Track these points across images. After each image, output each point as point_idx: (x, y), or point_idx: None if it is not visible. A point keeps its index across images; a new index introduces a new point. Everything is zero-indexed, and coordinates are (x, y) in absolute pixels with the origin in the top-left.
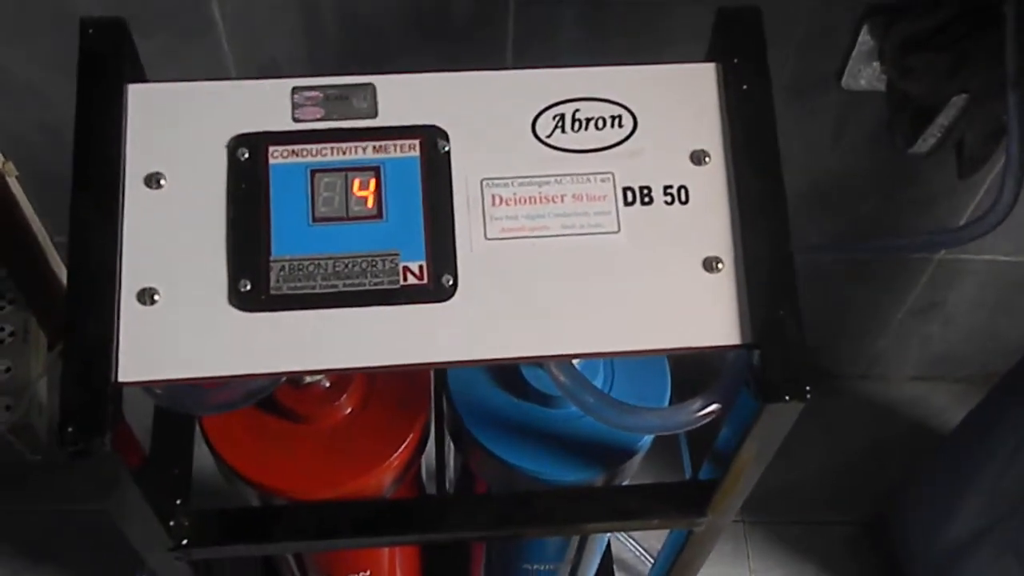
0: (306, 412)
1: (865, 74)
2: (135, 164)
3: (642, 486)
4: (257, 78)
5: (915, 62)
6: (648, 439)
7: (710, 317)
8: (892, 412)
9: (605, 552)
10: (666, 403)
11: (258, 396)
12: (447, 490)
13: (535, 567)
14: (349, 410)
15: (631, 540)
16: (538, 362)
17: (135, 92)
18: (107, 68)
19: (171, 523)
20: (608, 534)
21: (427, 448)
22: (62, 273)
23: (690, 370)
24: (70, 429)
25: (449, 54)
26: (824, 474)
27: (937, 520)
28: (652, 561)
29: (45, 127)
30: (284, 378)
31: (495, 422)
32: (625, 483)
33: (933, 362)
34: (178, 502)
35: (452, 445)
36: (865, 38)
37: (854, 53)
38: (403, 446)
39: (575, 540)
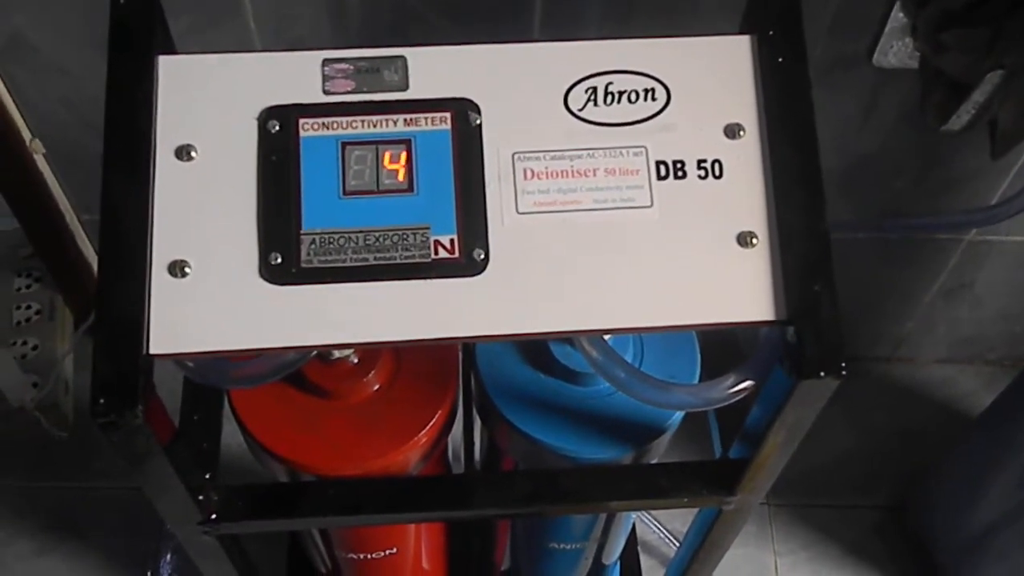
0: (334, 388)
1: (897, 51)
2: (166, 136)
3: (672, 464)
4: (288, 50)
5: (950, 38)
6: (678, 417)
7: (744, 293)
8: (919, 395)
9: (630, 533)
10: (696, 380)
11: (288, 370)
12: (475, 468)
13: (561, 546)
14: (377, 386)
15: (655, 522)
16: (570, 337)
17: (166, 64)
18: (137, 39)
19: (200, 497)
20: (634, 514)
21: (454, 426)
22: (89, 252)
23: (720, 348)
24: (102, 401)
25: (475, 27)
26: (850, 457)
27: (964, 504)
28: (676, 543)
29: (72, 105)
30: (314, 352)
31: (523, 399)
32: (654, 462)
33: (961, 345)
34: (207, 476)
35: (479, 422)
36: (897, 15)
37: (886, 30)
38: (431, 423)
39: (602, 519)
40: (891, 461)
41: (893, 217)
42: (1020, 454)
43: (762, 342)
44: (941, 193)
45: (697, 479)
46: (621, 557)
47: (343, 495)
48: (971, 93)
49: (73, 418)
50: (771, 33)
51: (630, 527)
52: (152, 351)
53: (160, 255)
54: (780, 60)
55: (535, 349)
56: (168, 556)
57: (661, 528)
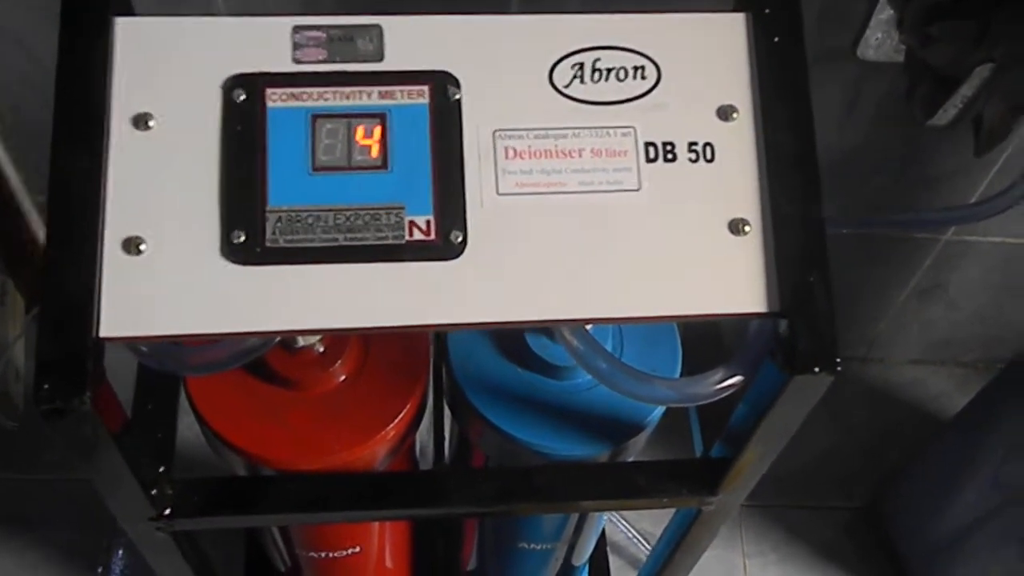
0: (298, 378)
1: (882, 44)
2: (122, 103)
3: (651, 463)
4: (256, 14)
5: (938, 30)
6: (657, 413)
7: (735, 282)
8: (891, 396)
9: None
10: (677, 373)
11: (249, 357)
12: (444, 463)
13: (531, 546)
14: (343, 377)
15: (623, 521)
16: (551, 327)
17: (123, 26)
18: (92, 0)
19: (153, 491)
20: (605, 514)
21: (423, 419)
22: (41, 234)
23: (700, 339)
24: (46, 386)
25: None
26: (820, 457)
27: (936, 506)
28: (645, 543)
29: (27, 81)
30: (278, 338)
31: (497, 392)
32: (632, 459)
33: (934, 346)
34: (161, 469)
35: (450, 415)
36: (884, 6)
37: (871, 22)
38: (399, 416)
39: (574, 518)
40: (862, 462)
41: (872, 213)
42: (993, 457)
43: (751, 335)
44: (922, 189)
45: (677, 478)
46: (590, 558)
47: (305, 490)
48: (959, 87)
49: (24, 407)
50: (767, 11)
51: (602, 527)
52: (103, 334)
53: (113, 230)
54: (776, 40)
55: (510, 340)
56: (120, 552)
57: (630, 527)
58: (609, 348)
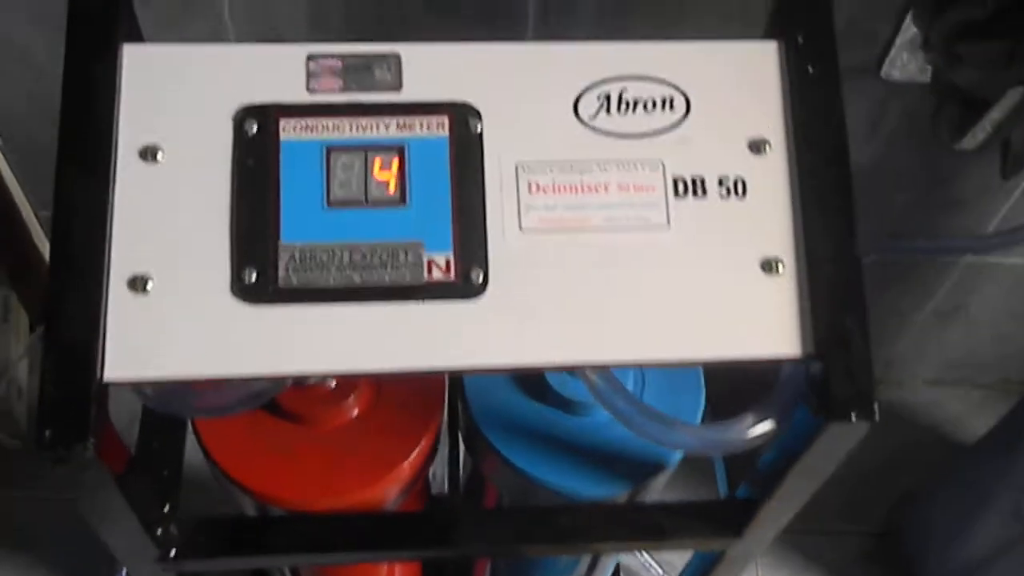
0: (309, 413)
1: (907, 64)
2: (130, 134)
3: (674, 504)
4: (269, 42)
5: (966, 50)
6: (680, 452)
7: (768, 324)
8: (907, 418)
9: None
10: (700, 412)
11: (260, 400)
12: (458, 500)
13: None
14: (355, 412)
15: (642, 552)
16: (576, 369)
17: (131, 53)
18: (100, 25)
19: (158, 531)
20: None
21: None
22: (46, 249)
23: (725, 377)
24: (48, 433)
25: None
26: (836, 481)
27: (955, 534)
28: (659, 569)
29: (33, 97)
30: (290, 381)
31: (513, 427)
32: (651, 499)
33: (951, 367)
34: (166, 508)
35: (463, 448)
36: (909, 25)
37: (896, 41)
38: (414, 453)
39: (588, 556)
40: (878, 486)
41: (892, 235)
42: (1015, 484)
43: (783, 378)
44: (944, 211)
45: (701, 520)
46: None
47: (314, 531)
48: (988, 110)
49: (27, 425)
50: (800, 40)
51: (617, 560)
52: (107, 377)
53: (119, 268)
54: (809, 69)
55: (528, 375)
56: (124, 571)
57: (648, 557)
58: (630, 384)
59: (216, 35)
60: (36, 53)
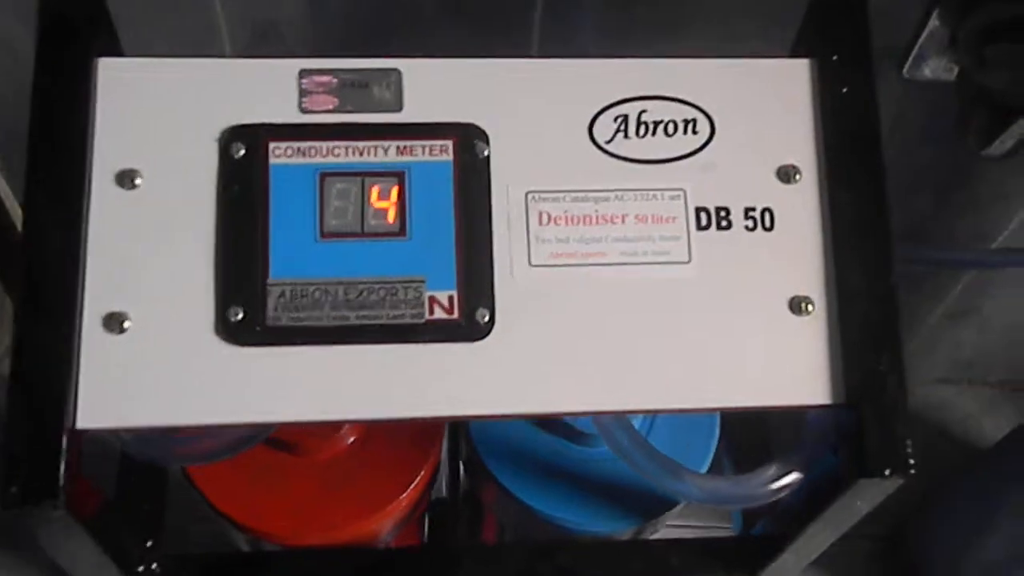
0: (302, 443)
1: (931, 63)
2: (105, 158)
3: (686, 541)
4: (258, 57)
5: (995, 52)
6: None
7: (796, 369)
8: (917, 417)
9: None
10: (711, 452)
11: (247, 446)
12: (456, 533)
13: None
14: (351, 440)
15: None
16: (589, 417)
17: (107, 68)
18: (73, 37)
19: (139, 569)
20: None
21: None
22: None
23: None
24: (14, 489)
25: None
26: None
27: (967, 540)
28: None
29: (17, 84)
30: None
31: (516, 457)
32: (659, 533)
33: (961, 366)
34: (148, 544)
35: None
36: (935, 23)
37: (921, 40)
38: (412, 485)
39: None
40: None
41: (908, 235)
42: None
43: (810, 424)
44: (959, 214)
45: (714, 559)
46: None
47: (307, 568)
48: (1020, 116)
49: None
50: (834, 57)
51: None
52: (80, 424)
53: (94, 305)
54: (845, 90)
55: None
56: None
57: None
58: (639, 419)
59: (207, 27)
60: (15, 40)
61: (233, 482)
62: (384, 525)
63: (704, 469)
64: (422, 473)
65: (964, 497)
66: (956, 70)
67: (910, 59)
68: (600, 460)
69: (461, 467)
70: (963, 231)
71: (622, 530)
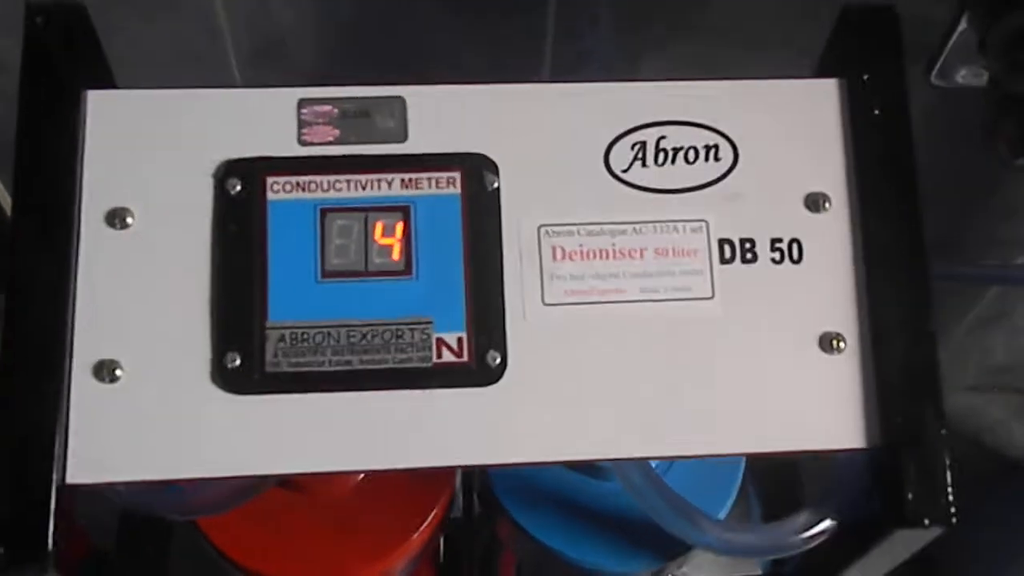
0: (307, 481)
1: (960, 70)
2: (95, 196)
3: None
4: (254, 87)
5: None
6: (719, 517)
7: (828, 411)
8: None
9: None
10: (734, 491)
11: (248, 497)
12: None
13: None
14: (361, 476)
15: None
16: (608, 463)
17: (97, 101)
18: (60, 69)
19: None
20: None
21: None
22: None
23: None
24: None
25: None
26: None
27: (1000, 560)
28: None
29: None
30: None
31: (532, 492)
32: (683, 571)
33: (991, 373)
34: None
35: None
36: (964, 28)
37: (949, 45)
38: (424, 524)
39: None
40: None
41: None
42: None
43: (843, 471)
44: (985, 222)
45: None
46: None
47: None
48: None
49: None
50: (865, 77)
51: None
52: (70, 479)
53: (83, 353)
54: (877, 112)
55: None
56: None
57: None
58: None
59: (207, 33)
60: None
61: (237, 522)
62: (397, 565)
63: (728, 506)
64: (434, 511)
65: (994, 514)
66: (986, 76)
67: (938, 65)
68: (619, 495)
69: (475, 500)
70: (994, 239)
71: (645, 569)
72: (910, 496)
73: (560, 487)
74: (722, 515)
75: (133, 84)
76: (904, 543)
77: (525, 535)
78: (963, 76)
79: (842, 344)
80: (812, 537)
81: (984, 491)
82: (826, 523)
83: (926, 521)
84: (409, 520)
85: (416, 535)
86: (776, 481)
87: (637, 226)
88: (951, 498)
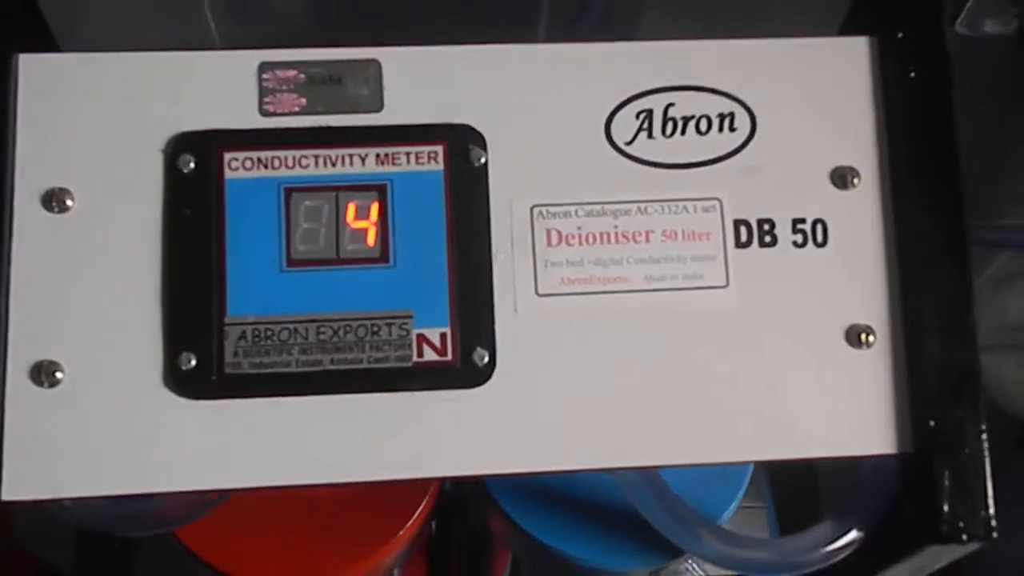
0: None
1: (988, 18)
2: (30, 176)
3: None
4: (210, 49)
5: None
6: (728, 515)
7: (855, 412)
8: None
9: None
10: (741, 492)
11: (208, 510)
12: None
13: None
14: None
15: None
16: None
17: (30, 66)
18: None
19: None
20: None
21: None
22: None
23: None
24: None
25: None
26: None
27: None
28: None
29: None
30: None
31: (527, 486)
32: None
33: (1005, 332)
34: None
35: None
36: None
37: None
38: (411, 520)
39: None
40: None
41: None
42: None
43: (871, 477)
44: (1013, 175)
45: None
46: None
47: None
48: None
49: None
50: (899, 34)
51: None
52: (6, 496)
53: (19, 354)
54: (913, 75)
55: None
56: None
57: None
58: None
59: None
60: None
61: (211, 522)
62: (384, 563)
63: (737, 499)
64: (422, 506)
65: (1008, 486)
66: (1015, 24)
67: (964, 11)
68: (619, 487)
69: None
70: (1014, 197)
71: (647, 567)
72: (945, 508)
73: (555, 480)
74: (731, 509)
75: (95, 45)
76: (934, 557)
77: (519, 530)
78: (991, 24)
79: (871, 338)
80: (834, 552)
81: (1002, 464)
82: (850, 536)
83: (964, 536)
84: (396, 516)
85: (403, 531)
86: (792, 488)
87: (642, 205)
88: (991, 510)
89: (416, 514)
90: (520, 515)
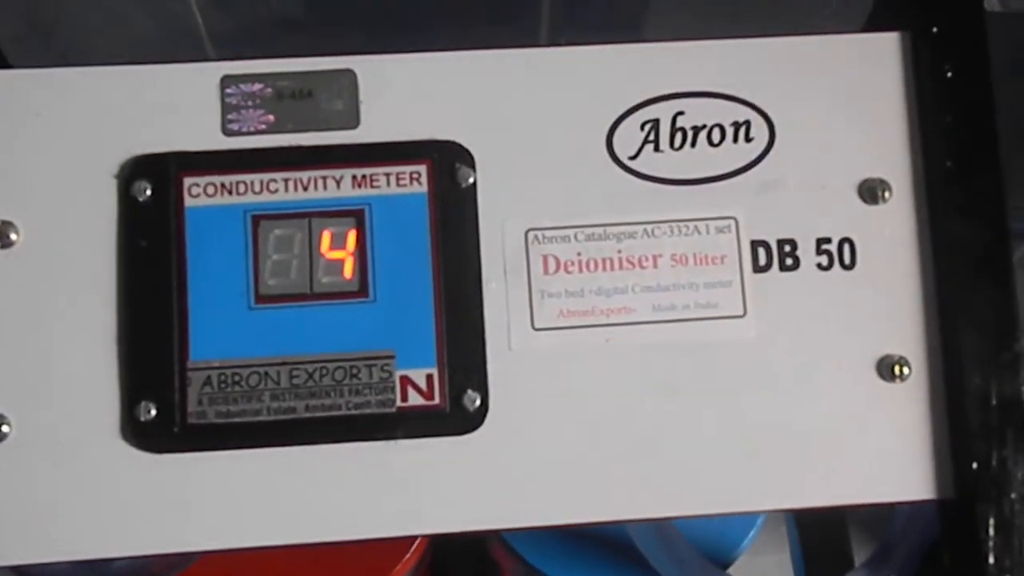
0: None
1: None
2: None
3: None
4: (168, 62)
5: None
6: (740, 551)
7: (888, 452)
8: None
9: None
10: (755, 527)
11: (181, 568)
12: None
13: None
14: None
15: None
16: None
17: None
18: None
19: None
20: None
21: None
22: None
23: None
24: None
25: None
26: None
27: None
28: None
29: None
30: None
31: None
32: None
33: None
34: None
35: None
36: None
37: None
38: (408, 553)
39: None
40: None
41: None
42: None
43: (902, 521)
44: None
45: None
46: None
47: None
48: None
49: None
50: (935, 30)
51: None
52: None
53: None
54: (950, 74)
55: None
56: None
57: None
58: None
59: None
60: None
61: (205, 560)
62: None
63: (747, 541)
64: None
65: None
66: None
67: None
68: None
69: None
70: None
71: None
72: (991, 559)
73: None
74: (746, 544)
75: (80, 41)
76: None
77: (520, 561)
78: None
79: (906, 370)
80: None
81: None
82: None
83: None
84: (391, 552)
85: (399, 565)
86: (821, 533)
87: (649, 227)
88: None
89: (414, 547)
90: (520, 544)
